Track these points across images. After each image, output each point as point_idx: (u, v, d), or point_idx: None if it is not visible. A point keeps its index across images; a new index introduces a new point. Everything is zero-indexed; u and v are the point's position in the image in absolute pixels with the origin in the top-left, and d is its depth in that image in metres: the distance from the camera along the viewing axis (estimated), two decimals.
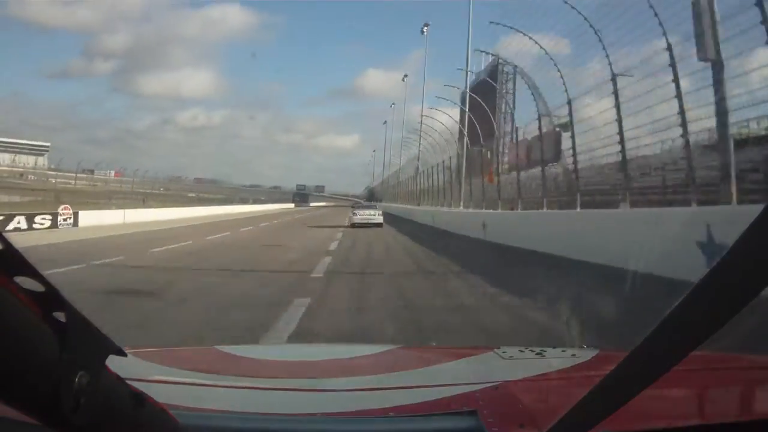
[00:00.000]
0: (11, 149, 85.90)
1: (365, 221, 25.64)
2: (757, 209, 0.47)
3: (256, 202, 71.54)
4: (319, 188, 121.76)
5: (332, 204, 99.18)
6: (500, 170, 19.52)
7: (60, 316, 0.48)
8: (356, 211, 27.48)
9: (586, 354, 1.44)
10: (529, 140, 16.41)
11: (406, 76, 56.74)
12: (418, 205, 35.94)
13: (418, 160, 38.61)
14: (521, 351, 1.47)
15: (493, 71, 24.46)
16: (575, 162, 12.53)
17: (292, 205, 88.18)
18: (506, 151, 19.97)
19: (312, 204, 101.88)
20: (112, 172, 61.46)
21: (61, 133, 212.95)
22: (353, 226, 25.29)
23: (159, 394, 0.64)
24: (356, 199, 48.84)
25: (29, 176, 58.71)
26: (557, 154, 14.39)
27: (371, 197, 77.85)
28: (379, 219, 26.25)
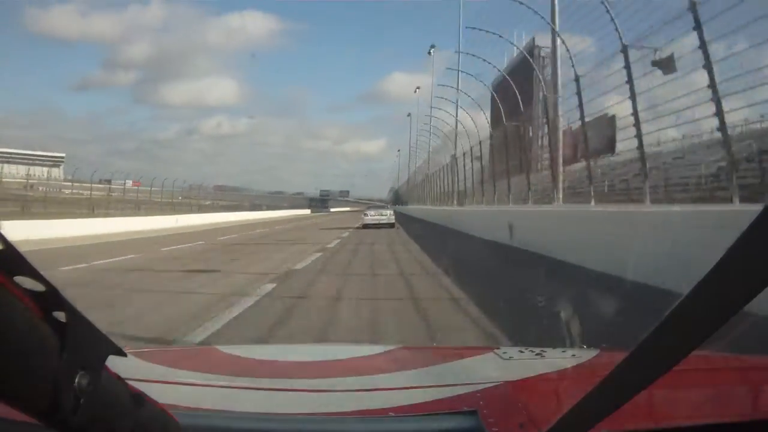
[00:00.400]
0: (26, 161, 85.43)
1: (376, 222, 26.99)
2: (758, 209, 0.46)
3: (271, 208, 67.79)
4: (344, 193, 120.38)
5: (356, 209, 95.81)
6: (540, 166, 15.60)
7: (60, 316, 0.48)
8: (368, 212, 29.15)
9: (586, 354, 1.44)
10: (575, 129, 12.30)
11: (433, 47, 48.94)
12: (462, 205, 25.59)
13: (455, 139, 27.73)
14: (521, 351, 1.47)
15: (526, 59, 20.37)
16: None
17: (308, 211, 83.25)
18: (544, 143, 16.26)
19: (333, 209, 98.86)
20: (130, 182, 60.36)
21: (87, 146, 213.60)
22: (365, 227, 26.20)
23: (159, 394, 0.64)
24: (382, 203, 47.26)
25: (39, 188, 57.29)
26: (611, 143, 10.87)
27: (396, 200, 72.64)
28: (391, 219, 27.70)
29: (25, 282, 0.46)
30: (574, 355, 1.43)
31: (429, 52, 49.52)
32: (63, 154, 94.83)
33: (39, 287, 0.47)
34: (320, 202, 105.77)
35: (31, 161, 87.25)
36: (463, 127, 24.89)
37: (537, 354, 1.43)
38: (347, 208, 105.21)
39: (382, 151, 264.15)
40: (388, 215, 28.13)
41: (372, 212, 29.05)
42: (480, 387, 1.06)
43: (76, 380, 0.47)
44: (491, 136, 20.38)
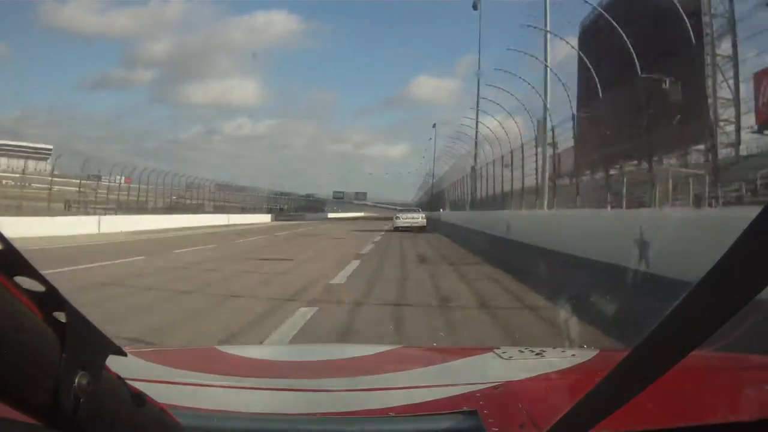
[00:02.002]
0: (11, 153, 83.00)
1: (408, 224, 28.35)
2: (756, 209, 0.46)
3: (219, 211, 48.72)
4: (361, 195, 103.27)
5: (374, 215, 74.52)
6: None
7: (60, 316, 0.48)
8: (399, 215, 30.50)
9: (586, 354, 1.44)
10: None
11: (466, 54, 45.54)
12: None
13: (476, 150, 21.98)
14: (521, 351, 1.47)
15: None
16: None
17: (267, 218, 53.55)
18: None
19: (334, 215, 78.05)
20: (123, 178, 57.69)
21: (109, 145, 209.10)
22: (396, 229, 27.49)
23: (159, 394, 0.64)
24: (407, 207, 43.81)
25: (3, 181, 53.77)
26: None
27: (435, 204, 58.75)
28: (423, 222, 29.10)
29: (25, 282, 0.46)
30: (573, 355, 1.43)
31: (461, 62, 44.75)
32: (50, 146, 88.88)
33: (39, 287, 0.47)
34: (322, 203, 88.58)
35: (17, 153, 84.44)
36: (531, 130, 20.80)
37: (537, 354, 1.43)
38: (360, 213, 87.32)
39: (406, 155, 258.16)
40: (419, 218, 29.45)
41: (404, 215, 30.14)
42: (480, 387, 1.06)
43: (76, 380, 0.47)
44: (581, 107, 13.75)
